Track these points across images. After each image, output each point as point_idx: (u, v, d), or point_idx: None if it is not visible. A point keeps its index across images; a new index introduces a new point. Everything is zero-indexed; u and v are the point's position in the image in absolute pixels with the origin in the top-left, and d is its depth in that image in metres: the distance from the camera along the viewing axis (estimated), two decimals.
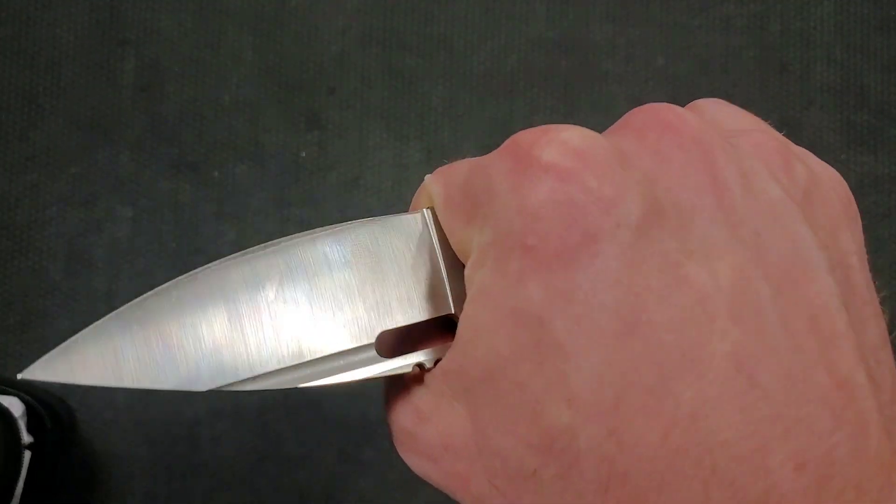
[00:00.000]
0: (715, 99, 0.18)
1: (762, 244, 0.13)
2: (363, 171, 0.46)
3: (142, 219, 0.45)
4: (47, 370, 0.14)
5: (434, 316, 0.16)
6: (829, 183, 0.16)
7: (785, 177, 0.15)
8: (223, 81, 0.46)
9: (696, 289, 0.13)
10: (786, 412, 0.12)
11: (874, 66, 0.48)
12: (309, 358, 0.15)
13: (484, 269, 0.14)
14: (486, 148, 0.52)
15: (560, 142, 0.14)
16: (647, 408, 0.12)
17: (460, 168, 0.16)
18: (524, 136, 0.14)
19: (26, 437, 0.38)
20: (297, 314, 0.15)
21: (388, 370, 0.16)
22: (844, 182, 0.16)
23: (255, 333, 0.15)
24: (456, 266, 0.16)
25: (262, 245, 0.15)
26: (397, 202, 0.46)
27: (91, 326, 0.15)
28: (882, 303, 0.16)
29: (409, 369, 0.16)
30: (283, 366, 0.15)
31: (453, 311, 0.16)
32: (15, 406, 0.38)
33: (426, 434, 0.15)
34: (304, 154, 0.46)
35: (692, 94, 0.48)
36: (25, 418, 0.39)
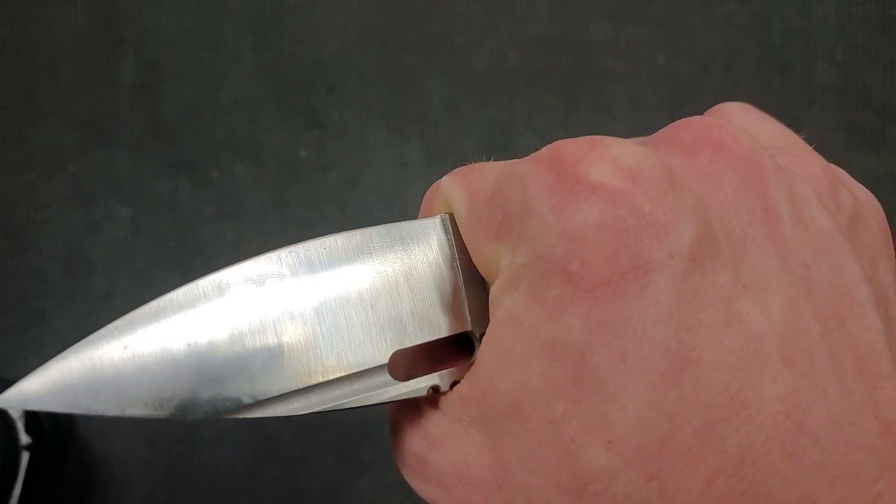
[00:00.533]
0: (740, 104, 0.17)
1: (812, 278, 0.13)
2: (363, 171, 0.46)
3: (140, 219, 0.45)
4: (26, 396, 0.13)
5: (451, 334, 0.15)
6: (869, 209, 0.15)
7: (832, 204, 0.14)
8: (222, 81, 0.46)
9: (748, 326, 0.12)
10: (833, 459, 0.12)
11: (876, 65, 0.48)
12: (317, 381, 0.14)
13: (517, 293, 0.13)
14: (486, 147, 0.51)
15: (610, 158, 0.13)
16: (691, 452, 0.12)
17: (486, 174, 0.15)
18: (569, 149, 0.13)
19: (24, 438, 0.38)
20: (304, 333, 0.14)
21: (402, 394, 0.14)
22: (880, 206, 0.16)
23: (259, 354, 0.13)
24: (475, 278, 0.15)
25: (267, 253, 0.14)
26: (397, 202, 0.46)
27: (78, 345, 0.13)
28: None
29: (424, 392, 0.14)
30: (289, 390, 0.13)
31: (471, 329, 0.15)
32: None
33: (438, 461, 0.14)
34: (303, 153, 0.46)
35: (693, 94, 0.48)
36: (24, 419, 0.39)
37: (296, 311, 0.14)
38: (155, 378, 0.13)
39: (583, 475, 0.12)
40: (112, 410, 0.13)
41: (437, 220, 0.15)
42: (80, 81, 0.46)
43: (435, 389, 0.14)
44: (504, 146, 0.46)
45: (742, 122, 0.16)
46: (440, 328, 0.15)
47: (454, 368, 0.15)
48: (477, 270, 0.15)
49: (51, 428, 0.40)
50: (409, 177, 0.46)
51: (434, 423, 0.15)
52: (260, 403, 0.13)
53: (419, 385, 0.14)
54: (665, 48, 0.47)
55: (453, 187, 0.16)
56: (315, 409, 0.14)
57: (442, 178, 0.16)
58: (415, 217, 0.16)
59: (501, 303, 0.14)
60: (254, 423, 0.44)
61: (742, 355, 0.12)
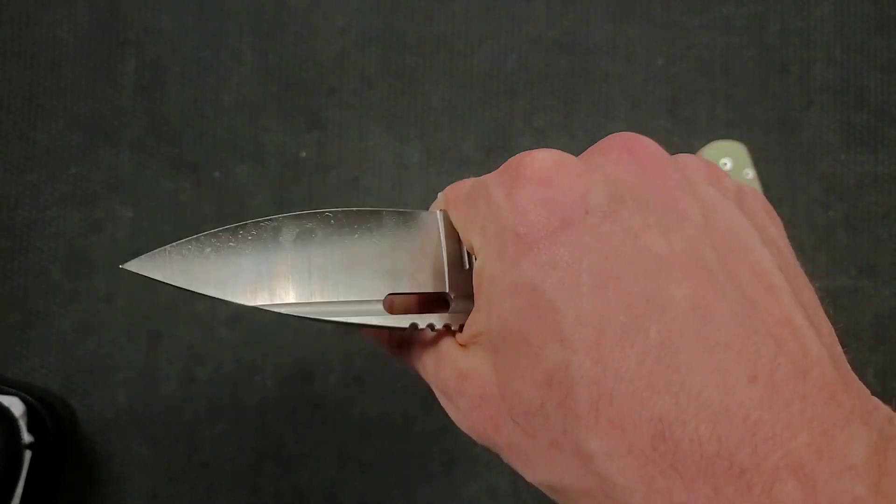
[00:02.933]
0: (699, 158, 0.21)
1: (708, 224, 0.17)
2: (363, 171, 0.46)
3: (142, 219, 0.45)
4: (141, 266, 0.19)
5: (432, 291, 0.20)
6: (751, 193, 0.20)
7: (717, 184, 0.19)
8: (223, 81, 0.47)
9: (653, 252, 0.16)
10: (736, 340, 0.15)
11: (874, 66, 0.48)
12: (331, 300, 0.19)
13: (490, 259, 0.18)
14: (486, 148, 0.51)
15: (540, 159, 0.18)
16: (623, 340, 0.15)
17: (466, 182, 0.21)
18: (513, 159, 0.18)
19: (27, 437, 0.38)
20: (329, 266, 0.19)
21: (389, 323, 0.19)
22: (762, 194, 0.20)
23: (295, 272, 0.19)
24: (456, 258, 0.21)
25: (312, 211, 0.20)
26: (397, 202, 0.46)
27: (177, 243, 0.19)
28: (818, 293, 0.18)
29: (405, 325, 0.19)
30: (311, 300, 0.19)
31: (447, 291, 0.20)
32: (15, 406, 0.39)
33: (468, 388, 0.19)
34: (304, 154, 0.46)
35: (692, 94, 0.48)
36: (26, 418, 0.39)
37: (326, 251, 0.19)
38: (224, 271, 0.19)
39: (549, 370, 0.16)
40: (193, 287, 0.18)
41: (436, 215, 0.21)
42: (82, 82, 0.46)
43: (413, 326, 0.20)
44: (503, 147, 0.47)
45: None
46: (425, 286, 0.20)
47: (431, 315, 0.20)
48: (458, 251, 0.21)
49: (53, 427, 0.40)
50: (408, 177, 0.46)
51: (462, 360, 0.19)
52: (289, 304, 0.19)
53: (403, 321, 0.19)
54: (664, 49, 0.48)
55: (445, 192, 0.21)
56: (322, 317, 0.19)
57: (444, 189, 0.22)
58: None
59: (484, 268, 0.18)
60: (254, 423, 0.44)
61: (650, 271, 0.16)
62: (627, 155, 0.18)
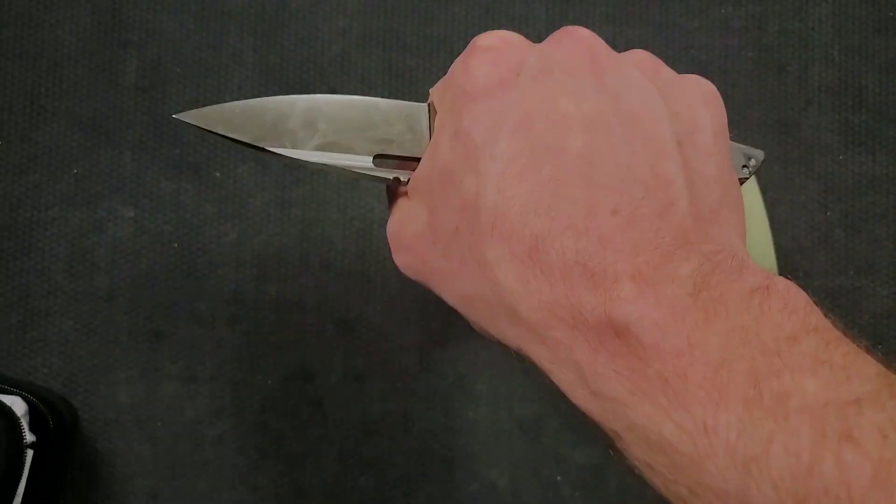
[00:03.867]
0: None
1: (620, 98, 0.20)
2: None
3: (144, 219, 0.46)
4: (190, 116, 0.24)
5: (412, 155, 0.25)
6: (695, 83, 0.22)
7: (650, 73, 0.22)
8: (225, 82, 0.47)
9: (563, 112, 0.20)
10: (612, 183, 0.19)
11: (872, 67, 0.48)
12: (336, 150, 0.25)
13: (443, 114, 0.22)
14: None
15: (494, 34, 0.22)
16: (521, 175, 0.19)
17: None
18: (476, 37, 0.22)
19: (29, 437, 0.38)
20: (336, 127, 0.25)
21: (375, 172, 0.24)
22: (713, 87, 0.23)
23: (307, 127, 0.25)
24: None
25: (323, 94, 0.25)
26: None
27: (219, 105, 0.24)
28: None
29: (389, 177, 0.24)
30: (319, 145, 0.25)
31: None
32: (18, 405, 0.39)
33: (406, 230, 0.23)
34: None
35: None
36: (28, 417, 0.39)
37: (339, 117, 0.25)
38: (253, 126, 0.25)
39: (465, 198, 0.20)
40: (223, 132, 0.24)
41: (424, 105, 0.25)
42: (84, 83, 0.46)
43: (396, 180, 0.24)
44: None
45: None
46: (409, 151, 0.25)
47: (410, 170, 0.25)
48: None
49: (55, 426, 0.41)
50: None
51: (403, 208, 0.24)
52: (297, 152, 0.25)
53: (387, 173, 0.24)
54: (662, 51, 0.48)
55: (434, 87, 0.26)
56: (327, 161, 0.24)
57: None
58: None
59: (439, 122, 0.23)
60: (256, 422, 0.45)
61: (558, 125, 0.20)
62: (567, 37, 0.22)
